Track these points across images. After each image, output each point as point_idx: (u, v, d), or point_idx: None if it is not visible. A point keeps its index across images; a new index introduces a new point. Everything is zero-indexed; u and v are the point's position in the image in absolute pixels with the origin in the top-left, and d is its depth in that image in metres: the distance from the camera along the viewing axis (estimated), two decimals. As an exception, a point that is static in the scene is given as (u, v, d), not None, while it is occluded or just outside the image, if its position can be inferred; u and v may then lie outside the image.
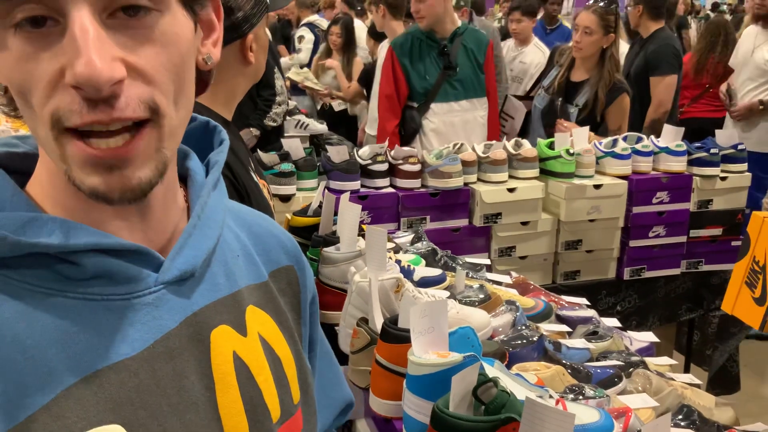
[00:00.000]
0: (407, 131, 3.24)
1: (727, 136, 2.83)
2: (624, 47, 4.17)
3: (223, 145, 0.71)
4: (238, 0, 1.42)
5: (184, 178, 0.68)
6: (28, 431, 0.51)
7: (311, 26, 6.21)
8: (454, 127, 3.33)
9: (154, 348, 0.58)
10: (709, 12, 9.59)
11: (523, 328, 1.49)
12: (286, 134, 3.87)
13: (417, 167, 2.53)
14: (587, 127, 2.86)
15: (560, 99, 3.33)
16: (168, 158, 0.58)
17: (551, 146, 2.71)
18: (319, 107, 5.47)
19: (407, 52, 3.24)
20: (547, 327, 1.66)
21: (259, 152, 2.48)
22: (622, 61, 3.63)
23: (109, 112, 0.52)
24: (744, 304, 1.62)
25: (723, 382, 2.94)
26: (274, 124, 3.86)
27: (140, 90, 0.53)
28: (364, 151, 2.58)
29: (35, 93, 0.53)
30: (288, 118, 4.03)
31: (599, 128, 3.22)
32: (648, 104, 3.79)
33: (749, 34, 4.17)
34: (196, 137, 0.71)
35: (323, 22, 6.15)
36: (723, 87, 4.34)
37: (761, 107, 3.99)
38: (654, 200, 2.72)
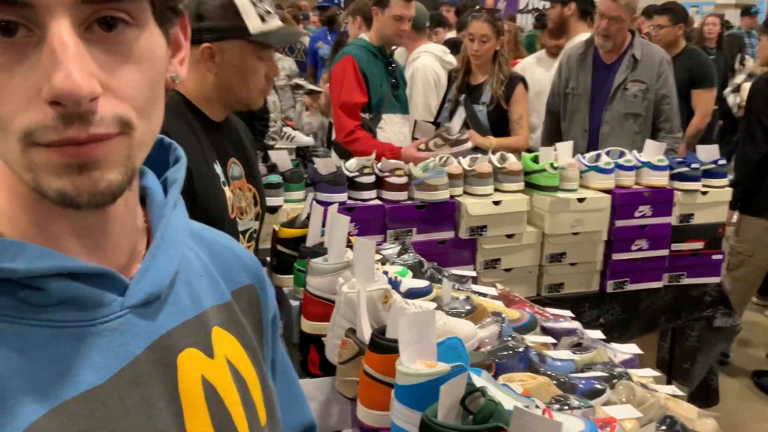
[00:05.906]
0: None
1: (707, 151, 2.87)
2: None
3: (180, 162, 0.70)
4: (209, 12, 1.58)
5: (142, 198, 0.67)
6: None
7: None
8: (404, 138, 3.38)
9: (121, 375, 0.56)
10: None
11: (509, 339, 1.50)
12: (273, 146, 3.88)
13: (404, 180, 2.55)
14: (571, 142, 2.89)
15: (464, 96, 3.50)
16: (136, 168, 0.56)
17: (536, 160, 2.74)
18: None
19: (365, 62, 3.26)
20: (533, 338, 1.67)
21: None
22: None
23: (85, 128, 0.51)
24: None
25: (703, 395, 2.97)
26: (274, 143, 3.87)
27: (114, 106, 0.52)
28: (351, 164, 2.59)
29: (4, 105, 0.50)
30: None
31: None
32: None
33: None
34: (150, 154, 0.66)
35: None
36: None
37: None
38: (636, 214, 2.75)
